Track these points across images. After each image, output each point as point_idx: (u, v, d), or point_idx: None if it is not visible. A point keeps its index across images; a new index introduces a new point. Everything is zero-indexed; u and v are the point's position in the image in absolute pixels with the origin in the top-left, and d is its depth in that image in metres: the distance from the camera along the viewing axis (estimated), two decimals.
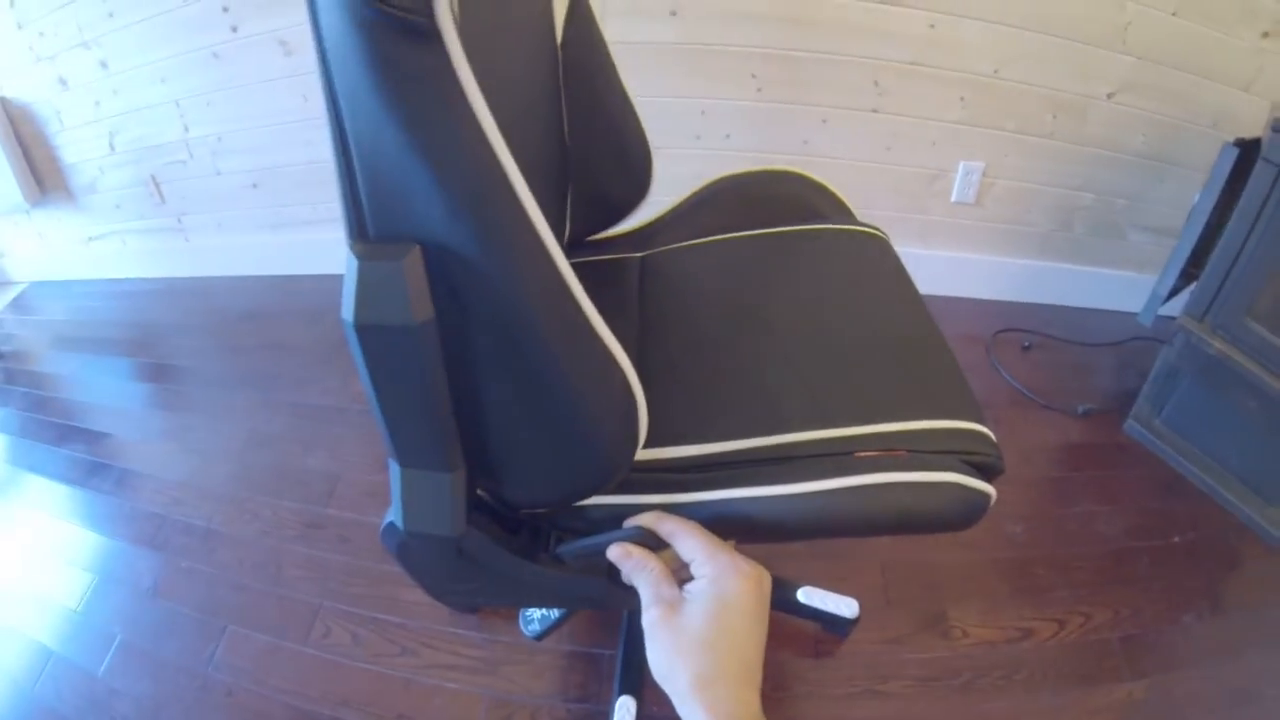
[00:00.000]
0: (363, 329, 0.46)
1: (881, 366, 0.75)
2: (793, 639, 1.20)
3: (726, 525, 0.61)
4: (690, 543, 0.56)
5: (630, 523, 0.59)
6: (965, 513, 0.63)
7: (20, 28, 1.98)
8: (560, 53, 0.89)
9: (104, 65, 1.98)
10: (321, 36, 0.41)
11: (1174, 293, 1.55)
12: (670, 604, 0.54)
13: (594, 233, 1.06)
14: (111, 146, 2.16)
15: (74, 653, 1.27)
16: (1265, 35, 1.60)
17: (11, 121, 2.18)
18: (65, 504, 1.59)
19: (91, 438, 1.77)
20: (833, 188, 1.10)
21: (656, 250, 1.02)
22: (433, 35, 0.40)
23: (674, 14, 1.67)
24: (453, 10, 0.40)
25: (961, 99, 1.74)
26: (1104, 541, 1.37)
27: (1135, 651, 1.18)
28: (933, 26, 1.64)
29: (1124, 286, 1.95)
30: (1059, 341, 1.89)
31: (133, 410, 1.87)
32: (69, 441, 1.77)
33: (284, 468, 1.60)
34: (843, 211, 1.07)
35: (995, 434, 0.70)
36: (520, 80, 0.74)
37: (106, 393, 1.95)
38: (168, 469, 1.64)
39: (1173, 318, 1.49)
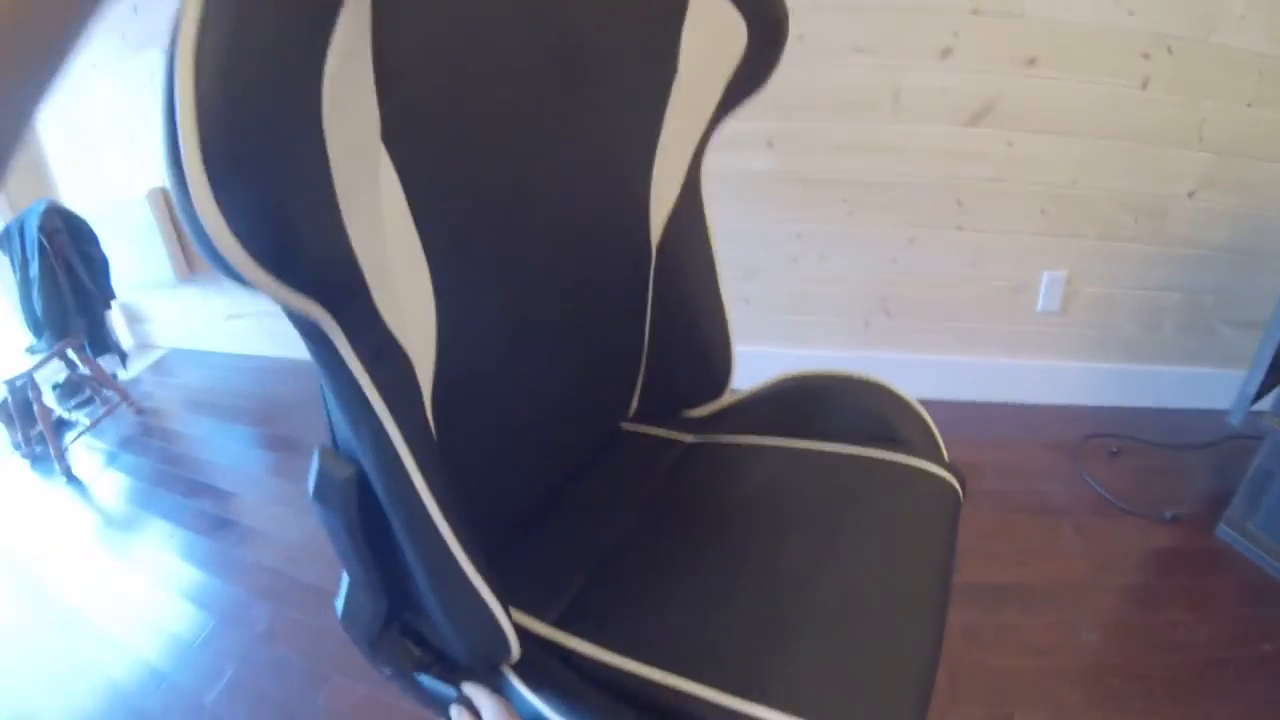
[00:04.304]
0: (316, 502, 0.62)
1: (832, 657, 0.67)
2: None
3: None
4: None
5: (466, 687, 0.68)
6: None
7: None
8: (655, 254, 0.92)
9: None
10: None
11: (1265, 389, 1.50)
12: None
13: (659, 412, 1.07)
14: None
15: (186, 680, 1.39)
16: None
17: (170, 209, 2.48)
18: (192, 550, 1.75)
19: (219, 495, 1.95)
20: (919, 407, 0.98)
21: (707, 439, 1.01)
22: (337, 354, 0.52)
23: (770, 145, 1.79)
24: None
25: (1042, 211, 1.79)
26: (1187, 650, 1.32)
27: None
28: (1010, 145, 1.71)
29: (1217, 384, 1.92)
30: (1148, 445, 1.85)
31: (257, 475, 2.05)
32: (198, 495, 1.96)
33: None
34: (926, 438, 0.95)
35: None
36: (579, 273, 0.82)
37: (233, 456, 2.14)
38: (287, 531, 1.78)
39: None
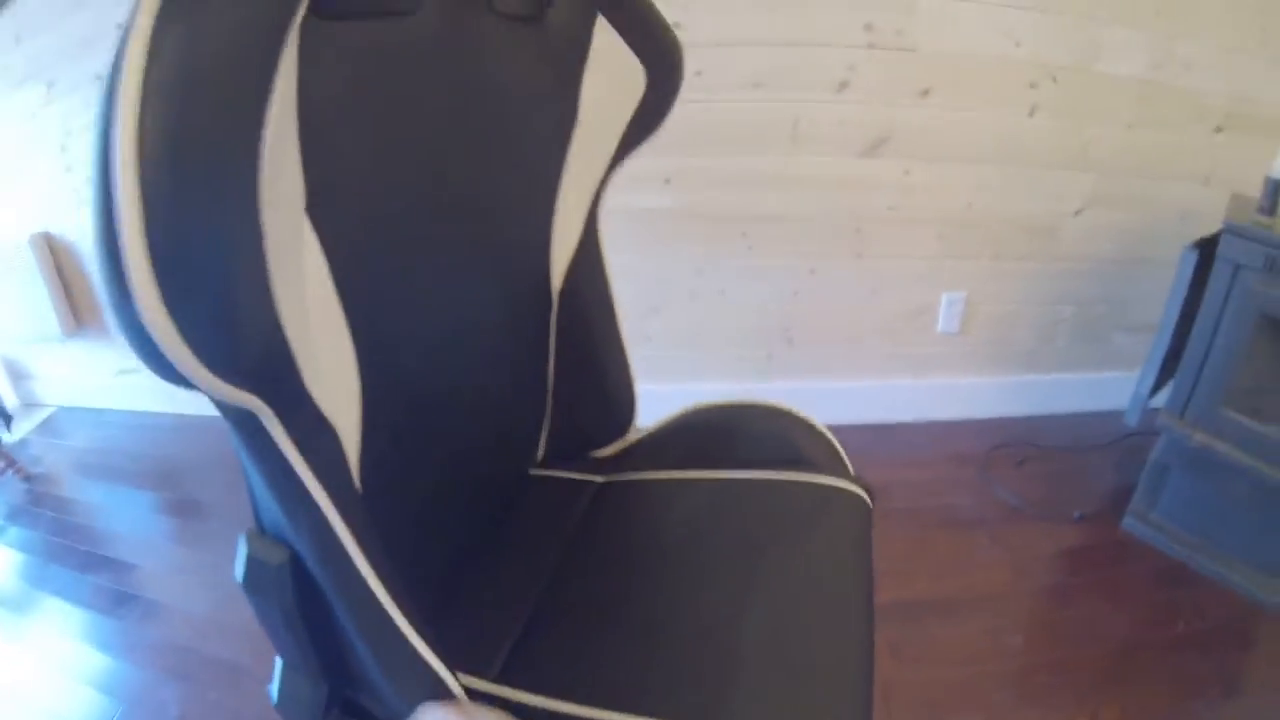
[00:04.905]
0: (248, 591, 0.60)
1: (771, 680, 0.69)
2: None
3: None
4: None
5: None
6: None
7: (69, 170, 2.13)
8: (556, 300, 0.93)
9: None
10: None
11: (1157, 387, 1.62)
12: None
13: (567, 455, 1.07)
14: None
15: None
16: (1218, 130, 1.73)
17: (55, 256, 2.32)
18: (92, 631, 1.62)
19: (118, 568, 1.81)
20: (822, 427, 1.02)
21: (619, 478, 1.01)
22: (270, 441, 0.50)
23: (667, 182, 1.80)
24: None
25: (939, 235, 1.86)
26: (1107, 640, 1.39)
27: None
28: (907, 173, 1.78)
29: (1113, 387, 2.03)
30: (1051, 451, 1.95)
31: (157, 543, 1.91)
32: (96, 569, 1.81)
33: None
34: (831, 456, 0.99)
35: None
36: (486, 323, 0.82)
37: (131, 524, 2.00)
38: (193, 603, 1.67)
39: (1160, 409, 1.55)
